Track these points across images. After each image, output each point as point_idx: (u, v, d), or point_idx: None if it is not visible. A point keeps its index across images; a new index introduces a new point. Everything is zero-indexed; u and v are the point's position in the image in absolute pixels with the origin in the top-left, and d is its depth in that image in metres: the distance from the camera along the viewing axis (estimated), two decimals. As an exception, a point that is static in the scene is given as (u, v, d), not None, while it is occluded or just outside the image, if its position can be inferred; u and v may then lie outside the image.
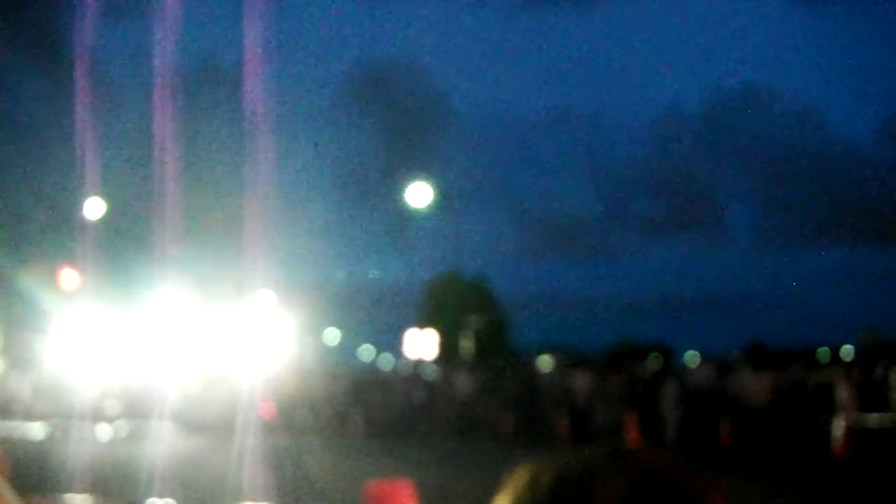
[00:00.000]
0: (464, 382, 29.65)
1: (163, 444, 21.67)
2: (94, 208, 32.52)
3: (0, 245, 35.16)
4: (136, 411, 28.16)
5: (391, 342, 46.55)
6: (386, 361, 53.32)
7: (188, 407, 28.55)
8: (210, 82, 49.79)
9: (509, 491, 1.18)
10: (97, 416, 27.50)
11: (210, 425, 27.11)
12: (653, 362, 34.20)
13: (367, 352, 60.34)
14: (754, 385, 25.57)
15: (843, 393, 22.54)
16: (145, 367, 29.81)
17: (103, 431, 26.48)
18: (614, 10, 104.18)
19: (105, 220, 33.41)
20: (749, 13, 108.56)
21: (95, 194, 31.81)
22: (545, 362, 42.66)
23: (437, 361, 37.94)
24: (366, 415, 28.79)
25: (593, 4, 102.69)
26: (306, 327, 37.57)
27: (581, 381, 27.80)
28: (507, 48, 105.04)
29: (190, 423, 27.46)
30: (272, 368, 28.31)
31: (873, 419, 21.68)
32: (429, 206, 34.71)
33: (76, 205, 31.40)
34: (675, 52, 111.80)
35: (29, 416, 30.34)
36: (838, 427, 21.62)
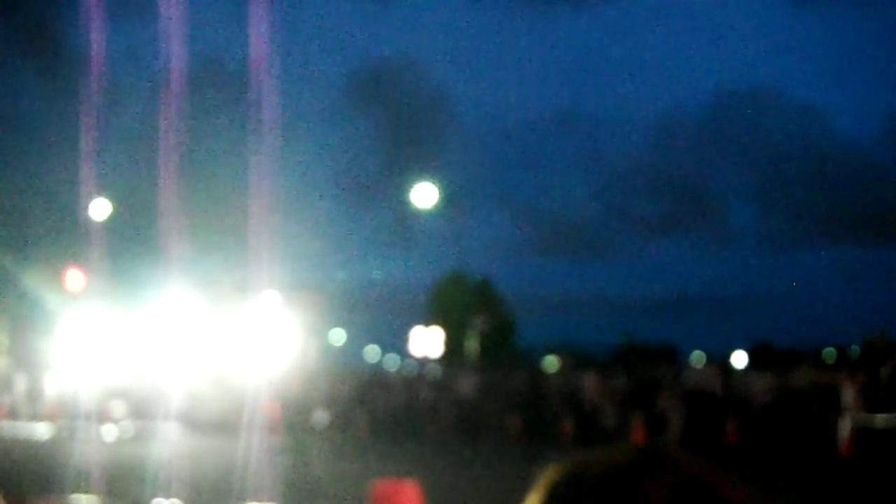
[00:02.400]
0: (469, 383, 29.65)
1: (168, 445, 21.69)
2: (99, 209, 32.57)
3: (5, 246, 35.21)
4: (141, 412, 28.19)
5: (396, 343, 46.56)
6: (391, 362, 53.33)
7: (194, 407, 28.58)
8: (215, 83, 49.82)
9: (544, 487, 1.15)
10: (103, 416, 27.52)
11: (215, 425, 27.15)
12: (662, 364, 34.13)
13: (372, 352, 60.30)
14: (759, 385, 25.56)
15: (848, 393, 22.51)
16: (151, 368, 29.84)
17: (109, 432, 26.51)
18: (616, 11, 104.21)
19: (110, 220, 33.45)
20: (751, 13, 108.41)
21: (101, 195, 31.87)
22: (551, 363, 42.65)
23: (442, 362, 37.94)
24: (371, 415, 28.79)
25: (595, 5, 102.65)
26: (311, 328, 37.58)
27: (587, 382, 27.80)
28: (510, 49, 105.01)
29: (195, 424, 27.49)
30: (277, 369, 28.33)
31: (879, 419, 21.65)
32: (434, 206, 34.71)
33: (82, 206, 31.43)
34: (677, 52, 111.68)
35: (35, 416, 30.39)
36: (844, 427, 21.59)
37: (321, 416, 29.19)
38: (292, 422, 25.50)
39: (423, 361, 38.15)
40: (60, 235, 34.38)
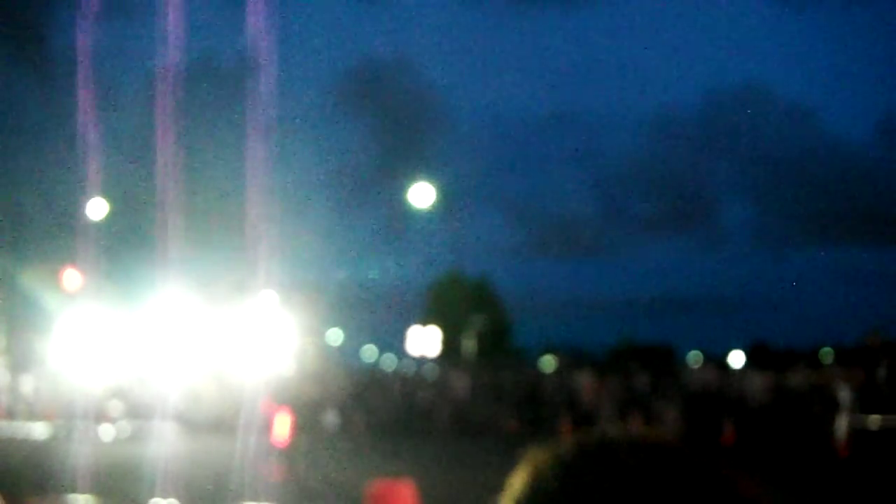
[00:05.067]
0: (466, 383, 29.67)
1: (166, 445, 21.69)
2: (96, 209, 32.53)
3: (2, 246, 35.20)
4: (138, 412, 28.19)
5: (393, 342, 46.61)
6: (388, 362, 53.39)
7: (191, 407, 28.58)
8: (212, 83, 49.85)
9: (527, 472, 1.15)
10: (100, 416, 27.53)
11: (213, 425, 27.14)
12: (659, 363, 34.12)
13: (369, 352, 60.34)
14: (756, 385, 25.60)
15: (845, 393, 22.55)
16: (148, 368, 29.84)
17: (106, 432, 26.51)
18: (612, 11, 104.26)
19: (107, 220, 33.41)
20: (745, 13, 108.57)
21: (98, 195, 31.83)
22: (548, 363, 42.69)
23: (439, 362, 37.95)
24: (367, 415, 28.81)
25: (591, 4, 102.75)
26: (309, 328, 37.56)
27: (584, 382, 27.83)
28: (507, 48, 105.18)
29: (193, 424, 27.49)
30: (275, 369, 28.32)
31: (875, 420, 21.69)
32: (431, 206, 34.71)
33: (78, 205, 31.41)
34: (673, 52, 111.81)
35: (32, 416, 30.37)
36: (840, 427, 21.62)
37: (321, 416, 29.18)
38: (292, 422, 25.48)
39: (421, 361, 38.17)
40: (58, 235, 34.37)
